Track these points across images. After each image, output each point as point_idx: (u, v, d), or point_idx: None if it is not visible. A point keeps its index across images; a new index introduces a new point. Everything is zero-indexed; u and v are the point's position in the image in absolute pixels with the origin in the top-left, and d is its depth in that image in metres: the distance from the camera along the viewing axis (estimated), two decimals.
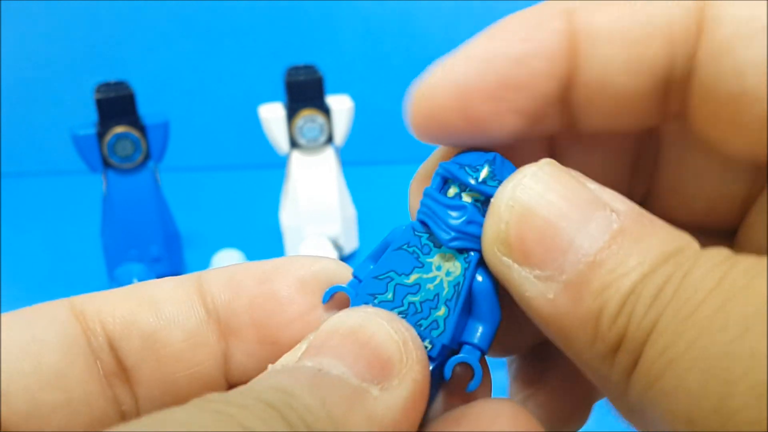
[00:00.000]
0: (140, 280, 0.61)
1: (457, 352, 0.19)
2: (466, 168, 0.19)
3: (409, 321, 0.18)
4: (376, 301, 0.19)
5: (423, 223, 0.19)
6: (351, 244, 0.78)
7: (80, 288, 0.76)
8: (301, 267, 0.20)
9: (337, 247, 0.74)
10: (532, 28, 0.18)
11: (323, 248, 0.61)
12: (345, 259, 0.76)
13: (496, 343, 0.20)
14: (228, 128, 1.07)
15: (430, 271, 0.19)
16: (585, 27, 0.18)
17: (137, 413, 0.20)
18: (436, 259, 0.19)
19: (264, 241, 0.82)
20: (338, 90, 0.77)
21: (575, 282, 0.16)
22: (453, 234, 0.19)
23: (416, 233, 0.19)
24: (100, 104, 0.69)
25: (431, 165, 0.21)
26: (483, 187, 0.19)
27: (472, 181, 0.19)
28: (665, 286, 0.15)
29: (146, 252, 0.73)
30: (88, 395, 0.18)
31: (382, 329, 0.17)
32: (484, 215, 0.18)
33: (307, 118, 0.73)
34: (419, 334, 0.18)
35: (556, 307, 0.16)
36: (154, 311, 0.19)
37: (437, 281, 0.19)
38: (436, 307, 0.18)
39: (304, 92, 0.72)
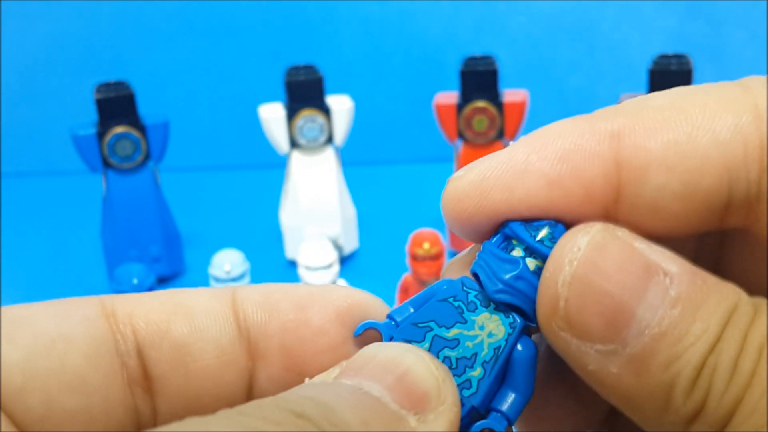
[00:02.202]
0: (140, 280, 0.61)
1: (484, 418, 0.18)
2: (527, 227, 0.19)
3: None
4: None
5: (475, 277, 0.19)
6: (351, 244, 0.78)
7: (80, 288, 0.76)
8: (337, 298, 0.20)
9: (337, 247, 0.74)
10: (572, 149, 0.18)
11: (323, 248, 0.61)
12: (345, 258, 0.76)
13: (564, 418, 0.20)
14: (228, 128, 1.07)
15: (473, 329, 0.18)
16: (634, 154, 0.17)
17: (154, 425, 0.19)
18: (480, 319, 0.18)
19: (264, 241, 0.82)
20: (338, 90, 0.77)
21: (640, 355, 0.16)
22: (500, 286, 0.18)
23: (465, 288, 0.19)
24: (100, 104, 0.69)
25: (470, 255, 0.20)
26: (539, 246, 0.18)
27: (530, 239, 0.18)
28: (740, 359, 0.15)
29: (146, 252, 0.73)
30: (107, 402, 0.18)
31: (423, 363, 0.17)
32: (535, 274, 0.18)
33: (307, 118, 0.73)
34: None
35: (620, 380, 0.16)
36: (189, 322, 0.19)
37: (477, 340, 0.18)
38: (472, 367, 0.18)
39: (304, 92, 0.72)
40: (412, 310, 0.19)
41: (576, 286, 0.17)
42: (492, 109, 0.71)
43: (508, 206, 0.18)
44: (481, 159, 0.19)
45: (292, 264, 0.75)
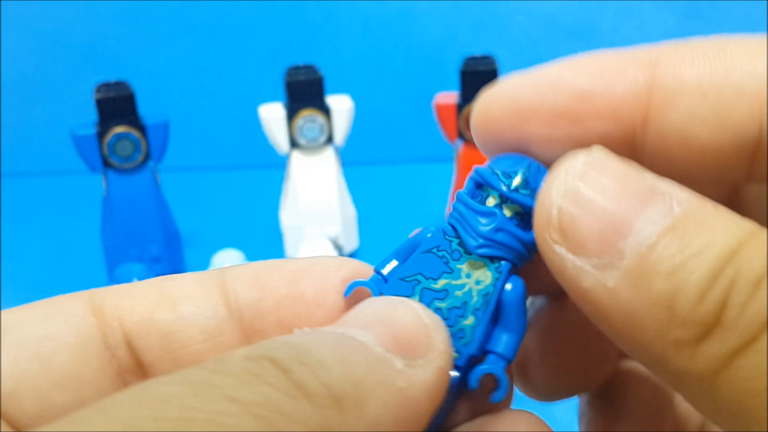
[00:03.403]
0: (140, 280, 0.61)
1: (482, 360, 0.18)
2: (500, 174, 0.19)
3: None
4: None
5: (453, 227, 0.19)
6: (351, 244, 0.78)
7: (80, 288, 0.76)
8: (329, 269, 0.20)
9: (337, 247, 0.74)
10: (607, 68, 0.18)
11: (323, 248, 0.61)
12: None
13: (562, 382, 0.19)
14: (228, 128, 1.07)
15: (459, 278, 0.18)
16: (668, 79, 0.17)
17: None
18: (465, 266, 0.18)
19: (264, 241, 0.82)
20: (338, 90, 0.77)
21: (639, 266, 0.15)
22: (480, 241, 0.18)
23: (447, 237, 0.19)
24: (100, 104, 0.69)
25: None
26: (514, 195, 0.18)
27: (504, 188, 0.18)
28: None
29: (146, 252, 0.73)
30: (100, 394, 0.18)
31: (413, 312, 0.17)
32: (514, 224, 0.18)
33: (307, 118, 0.73)
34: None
35: (617, 295, 0.15)
36: (173, 309, 0.19)
37: (466, 289, 0.18)
38: (464, 316, 0.18)
39: (304, 92, 0.72)
40: (396, 262, 0.19)
41: (571, 195, 0.16)
42: None
43: (537, 116, 0.18)
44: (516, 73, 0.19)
45: None
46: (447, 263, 0.19)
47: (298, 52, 1.02)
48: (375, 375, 0.15)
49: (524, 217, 0.18)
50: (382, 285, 0.19)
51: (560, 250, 0.16)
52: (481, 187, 0.19)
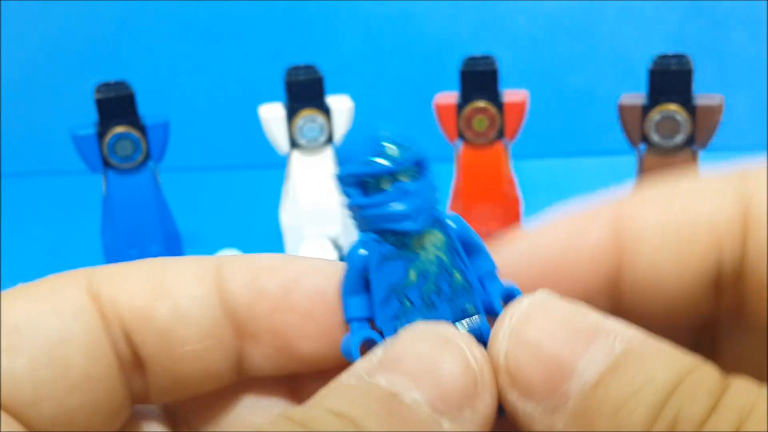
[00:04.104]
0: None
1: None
2: (374, 159, 0.18)
3: (443, 306, 0.18)
4: (403, 320, 0.18)
5: (377, 231, 0.18)
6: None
7: None
8: (322, 279, 0.20)
9: (337, 247, 0.74)
10: (573, 230, 0.19)
11: (323, 248, 0.61)
12: (345, 259, 0.76)
13: None
14: (228, 128, 1.07)
15: (420, 257, 0.18)
16: (630, 228, 0.18)
17: (147, 398, 0.20)
18: (416, 246, 0.18)
19: (264, 241, 0.82)
20: (338, 90, 0.77)
21: (583, 408, 0.15)
22: (414, 217, 0.18)
23: (379, 242, 0.18)
24: (100, 104, 0.69)
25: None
26: (404, 161, 0.18)
27: (392, 164, 0.18)
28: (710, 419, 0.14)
29: (146, 252, 0.73)
30: (109, 390, 0.18)
31: (462, 356, 0.17)
32: (416, 183, 0.18)
33: (307, 118, 0.73)
34: (459, 307, 0.18)
35: None
36: (171, 307, 0.19)
37: (433, 258, 0.18)
38: (451, 276, 0.18)
39: (304, 92, 0.72)
40: (358, 299, 0.19)
41: (516, 339, 0.17)
42: (492, 109, 0.71)
43: (522, 285, 0.19)
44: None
45: None
46: (402, 258, 0.18)
47: (298, 52, 1.02)
48: None
49: (418, 169, 0.18)
50: (370, 329, 0.19)
51: (512, 394, 0.17)
52: (363, 184, 0.18)
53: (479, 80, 0.71)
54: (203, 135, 1.07)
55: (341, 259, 0.80)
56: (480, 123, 0.72)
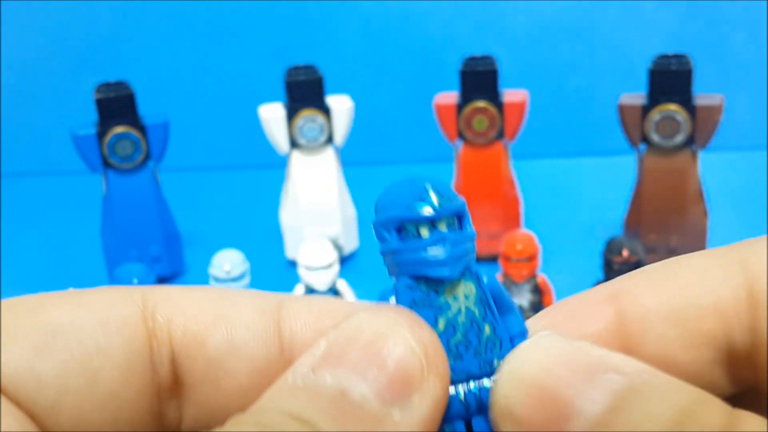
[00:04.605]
0: (140, 280, 0.61)
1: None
2: (414, 205, 0.18)
3: (470, 359, 0.18)
4: None
5: (413, 277, 0.18)
6: (351, 244, 0.78)
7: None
8: (249, 316, 0.19)
9: (337, 247, 0.74)
10: (581, 316, 0.19)
11: (323, 248, 0.61)
12: (345, 258, 0.76)
13: None
14: (228, 128, 1.07)
15: (450, 307, 0.18)
16: (633, 309, 0.18)
17: (179, 429, 0.19)
18: (447, 296, 0.18)
19: (264, 241, 0.82)
20: (338, 90, 0.77)
21: None
22: (450, 264, 0.18)
23: (411, 288, 0.18)
24: (100, 104, 0.69)
25: None
26: (444, 210, 0.18)
27: (434, 213, 0.18)
28: None
29: (146, 252, 0.73)
30: (136, 414, 0.18)
31: (405, 342, 0.17)
32: (455, 232, 0.18)
33: (307, 118, 0.73)
34: (487, 361, 0.18)
35: None
36: (228, 336, 0.18)
37: (463, 309, 0.18)
38: (481, 330, 0.18)
39: (304, 92, 0.72)
40: None
41: (516, 382, 0.17)
42: (492, 109, 0.71)
43: None
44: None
45: (292, 264, 0.75)
46: (432, 306, 0.18)
47: (298, 52, 1.02)
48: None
49: (455, 220, 0.18)
50: None
51: (506, 428, 0.17)
52: (402, 229, 0.18)
53: (479, 80, 0.71)
54: (203, 135, 1.07)
55: (341, 259, 0.80)
56: (480, 123, 0.72)
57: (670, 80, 0.66)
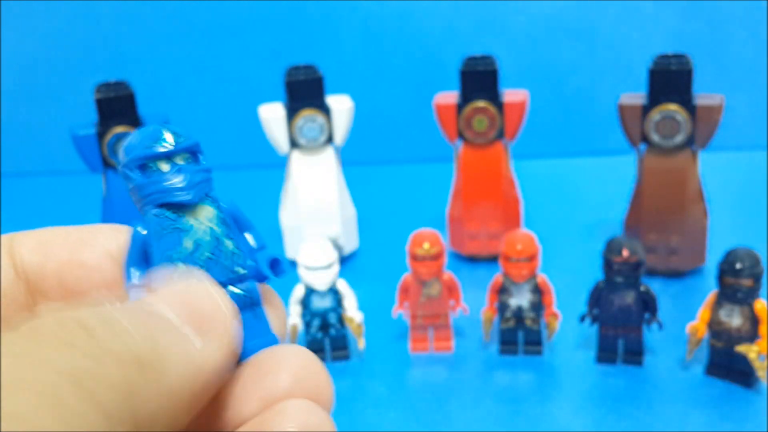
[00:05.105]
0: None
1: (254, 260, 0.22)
2: (151, 144, 0.21)
3: (217, 270, 0.20)
4: None
5: (159, 206, 0.21)
6: (351, 244, 0.78)
7: None
8: (105, 239, 0.22)
9: (337, 247, 0.74)
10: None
11: (323, 248, 0.61)
12: (345, 258, 0.76)
13: None
14: (228, 128, 1.07)
15: (194, 228, 0.20)
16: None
17: None
18: (190, 219, 0.21)
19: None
20: (338, 90, 0.77)
21: None
22: (190, 191, 0.21)
23: (158, 216, 0.21)
24: (100, 104, 0.69)
25: None
26: (179, 146, 0.21)
27: (170, 147, 0.21)
28: None
29: None
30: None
31: (208, 292, 0.19)
32: (192, 163, 0.21)
33: (307, 118, 0.73)
34: (231, 270, 0.21)
35: None
36: None
37: (205, 228, 0.21)
38: (222, 244, 0.21)
39: (304, 92, 0.72)
40: (137, 271, 0.21)
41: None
42: (492, 109, 0.71)
43: None
44: None
45: (292, 264, 0.75)
46: (177, 229, 0.20)
47: (298, 52, 1.02)
48: (176, 347, 0.17)
49: (193, 156, 0.21)
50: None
51: None
52: (144, 167, 0.21)
53: (479, 80, 0.71)
54: (203, 135, 1.07)
55: (341, 259, 0.80)
56: (480, 123, 0.72)
57: (670, 80, 0.66)
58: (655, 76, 0.66)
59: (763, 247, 0.62)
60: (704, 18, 1.00)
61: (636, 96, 0.69)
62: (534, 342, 0.60)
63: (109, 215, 0.73)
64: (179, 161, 0.21)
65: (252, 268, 0.21)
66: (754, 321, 0.53)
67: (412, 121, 1.03)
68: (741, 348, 0.53)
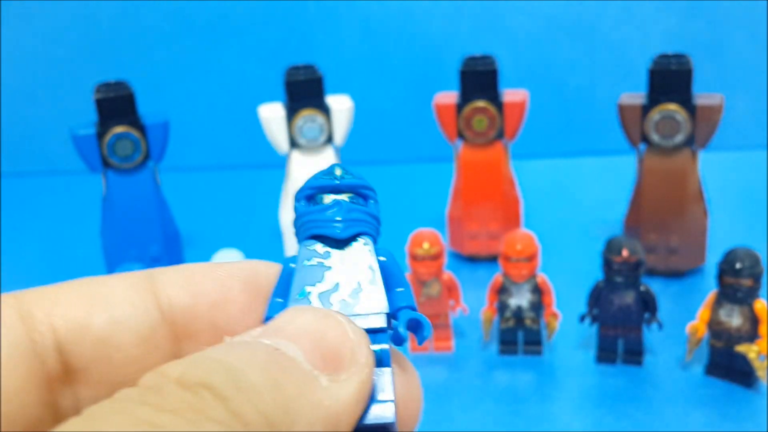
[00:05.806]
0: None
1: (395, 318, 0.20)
2: (322, 176, 0.21)
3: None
4: None
5: (311, 237, 0.20)
6: None
7: None
8: (250, 275, 0.21)
9: None
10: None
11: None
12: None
13: None
14: (228, 128, 1.07)
15: (337, 267, 0.20)
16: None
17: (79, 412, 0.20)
18: (337, 256, 0.20)
19: (264, 241, 0.82)
20: (338, 90, 0.77)
21: None
22: (343, 225, 0.20)
23: (308, 248, 0.20)
24: (100, 104, 0.69)
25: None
26: (345, 182, 0.20)
27: (336, 181, 0.20)
28: None
29: (146, 252, 0.73)
30: (25, 406, 0.18)
31: (339, 326, 0.18)
32: (354, 202, 0.20)
33: (307, 118, 0.73)
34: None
35: None
36: (108, 313, 0.19)
37: (350, 271, 0.20)
38: (361, 292, 0.20)
39: (304, 92, 0.72)
40: (281, 300, 0.20)
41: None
42: (492, 109, 0.71)
43: None
44: None
45: None
46: (323, 265, 0.20)
47: (298, 52, 1.02)
48: (304, 396, 0.16)
49: (358, 197, 0.21)
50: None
51: None
52: (311, 198, 0.21)
53: (479, 80, 0.71)
54: (203, 135, 1.07)
55: None
56: (480, 123, 0.72)
57: (670, 80, 0.66)
58: (655, 76, 0.66)
59: (763, 247, 0.62)
60: (704, 18, 1.00)
61: (636, 96, 0.69)
62: (534, 342, 0.60)
63: (108, 215, 0.73)
64: (344, 198, 0.20)
65: (387, 323, 0.20)
66: (753, 321, 0.53)
67: (412, 121, 1.03)
68: (741, 348, 0.53)
